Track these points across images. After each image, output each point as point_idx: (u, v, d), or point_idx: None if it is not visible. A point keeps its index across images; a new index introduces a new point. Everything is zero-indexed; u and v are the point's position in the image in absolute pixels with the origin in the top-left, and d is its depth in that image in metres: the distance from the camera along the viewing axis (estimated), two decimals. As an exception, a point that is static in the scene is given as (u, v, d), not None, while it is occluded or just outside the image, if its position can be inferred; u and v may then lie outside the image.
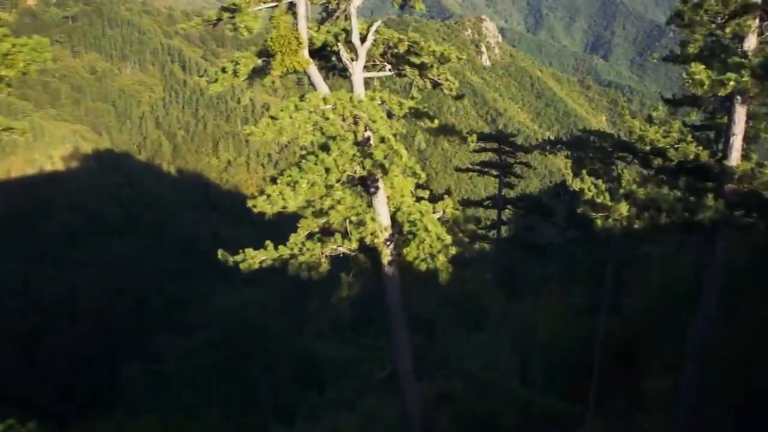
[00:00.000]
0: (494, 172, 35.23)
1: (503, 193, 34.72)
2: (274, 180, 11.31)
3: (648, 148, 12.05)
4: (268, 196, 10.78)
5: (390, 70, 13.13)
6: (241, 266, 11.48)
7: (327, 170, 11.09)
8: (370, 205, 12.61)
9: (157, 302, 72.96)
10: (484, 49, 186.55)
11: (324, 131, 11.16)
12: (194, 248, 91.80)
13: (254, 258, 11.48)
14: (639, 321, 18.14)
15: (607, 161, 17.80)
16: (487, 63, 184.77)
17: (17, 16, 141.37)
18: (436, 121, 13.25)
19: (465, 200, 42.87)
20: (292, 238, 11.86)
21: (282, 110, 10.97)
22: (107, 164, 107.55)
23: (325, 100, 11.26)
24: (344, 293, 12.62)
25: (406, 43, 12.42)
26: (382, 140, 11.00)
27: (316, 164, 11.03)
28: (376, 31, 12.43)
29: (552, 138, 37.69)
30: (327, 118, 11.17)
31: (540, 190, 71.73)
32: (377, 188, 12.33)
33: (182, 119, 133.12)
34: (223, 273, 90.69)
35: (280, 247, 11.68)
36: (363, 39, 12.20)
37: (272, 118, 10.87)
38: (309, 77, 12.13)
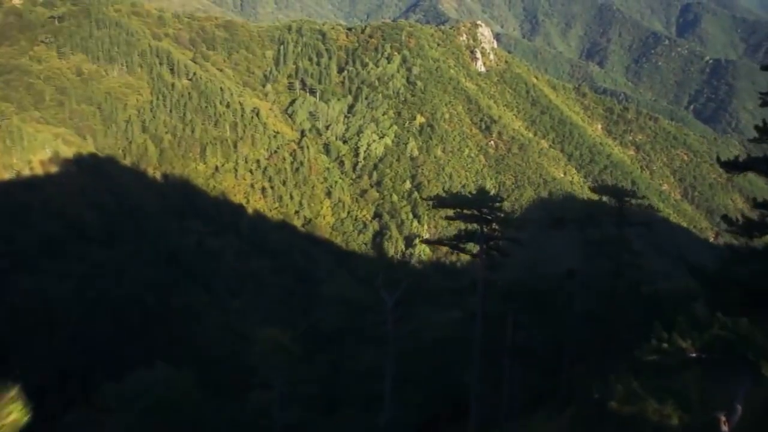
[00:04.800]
0: (473, 249, 26.45)
1: (486, 276, 26.21)
2: None
3: None
4: None
5: None
6: None
7: None
8: None
9: (137, 314, 69.97)
10: (479, 54, 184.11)
11: None
12: (177, 258, 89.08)
13: None
14: None
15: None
16: (482, 69, 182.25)
17: (2, 16, 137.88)
18: None
19: (432, 292, 33.72)
20: None
21: None
22: (88, 169, 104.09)
23: None
24: None
25: None
26: None
27: None
28: None
29: (555, 217, 30.58)
30: None
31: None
32: None
33: (169, 123, 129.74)
34: (204, 284, 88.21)
35: None
36: None
37: None
38: None
